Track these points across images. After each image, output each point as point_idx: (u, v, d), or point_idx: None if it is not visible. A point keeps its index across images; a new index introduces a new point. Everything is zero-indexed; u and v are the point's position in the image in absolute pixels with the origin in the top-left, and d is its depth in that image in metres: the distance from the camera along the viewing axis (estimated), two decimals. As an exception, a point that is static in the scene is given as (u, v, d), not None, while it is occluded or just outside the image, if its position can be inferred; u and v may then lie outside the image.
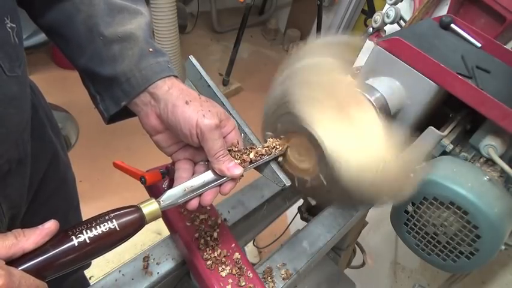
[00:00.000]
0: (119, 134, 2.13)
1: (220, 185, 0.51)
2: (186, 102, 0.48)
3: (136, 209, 0.44)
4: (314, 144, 0.53)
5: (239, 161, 0.51)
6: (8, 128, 0.48)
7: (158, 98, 0.50)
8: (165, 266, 0.62)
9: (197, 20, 3.13)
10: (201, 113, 0.47)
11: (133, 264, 0.61)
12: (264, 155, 0.54)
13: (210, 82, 0.60)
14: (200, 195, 0.50)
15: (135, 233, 0.44)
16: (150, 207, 0.45)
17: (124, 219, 0.43)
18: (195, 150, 0.54)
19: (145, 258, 0.62)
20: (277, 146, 0.56)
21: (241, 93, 2.83)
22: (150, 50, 0.51)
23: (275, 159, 0.56)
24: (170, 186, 0.67)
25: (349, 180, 0.50)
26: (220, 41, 3.27)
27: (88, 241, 0.40)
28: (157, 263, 0.62)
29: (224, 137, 0.50)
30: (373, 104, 0.64)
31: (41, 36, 1.49)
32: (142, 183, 0.60)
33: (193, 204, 0.50)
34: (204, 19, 3.26)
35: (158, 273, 0.61)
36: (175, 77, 0.52)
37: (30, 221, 0.69)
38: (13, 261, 0.36)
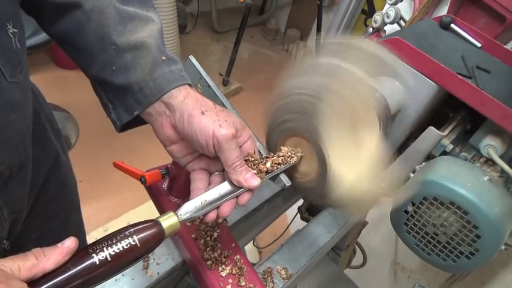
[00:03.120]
0: (119, 134, 2.11)
1: (237, 196, 0.50)
2: (202, 113, 0.48)
3: (155, 223, 0.44)
4: (319, 157, 0.54)
5: (256, 171, 0.51)
6: (9, 134, 0.48)
7: (173, 108, 0.49)
8: (165, 266, 0.62)
9: (197, 20, 3.13)
10: (218, 123, 0.47)
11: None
12: (280, 164, 0.54)
13: (210, 82, 0.60)
14: (218, 207, 0.49)
15: (155, 248, 0.43)
16: (169, 220, 0.45)
17: (144, 234, 0.42)
18: (211, 160, 0.53)
19: (146, 258, 0.62)
20: (292, 155, 0.56)
21: (241, 93, 2.83)
22: (163, 58, 0.50)
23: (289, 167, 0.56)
24: (170, 186, 0.67)
25: (339, 194, 0.52)
26: (220, 41, 3.27)
27: (109, 258, 0.39)
28: (157, 263, 0.62)
29: (240, 147, 0.50)
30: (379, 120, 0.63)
31: (41, 36, 1.49)
32: (142, 183, 0.60)
33: (211, 216, 0.49)
34: (204, 19, 3.26)
35: (158, 273, 0.61)
36: (189, 85, 0.52)
37: (32, 225, 0.69)
38: (34, 282, 0.35)
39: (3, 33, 0.43)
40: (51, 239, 0.82)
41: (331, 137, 0.52)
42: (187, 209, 0.47)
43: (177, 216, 0.46)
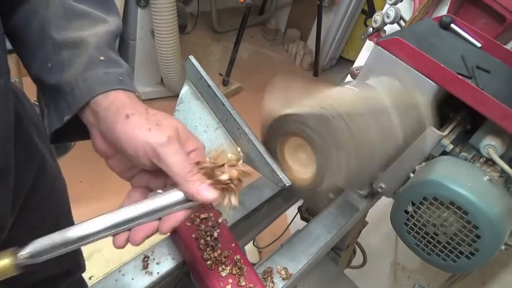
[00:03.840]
0: (119, 134, 2.13)
1: (160, 218, 0.41)
2: (127, 116, 0.40)
3: None
4: (319, 167, 0.54)
5: (211, 181, 0.42)
6: None
7: (98, 116, 0.42)
8: (165, 266, 0.62)
9: (197, 20, 3.13)
10: (146, 127, 0.40)
11: (133, 264, 0.61)
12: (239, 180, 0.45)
13: (210, 82, 0.60)
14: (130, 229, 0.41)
15: None
16: None
17: None
18: (151, 175, 0.46)
19: (145, 258, 0.62)
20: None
21: (241, 93, 2.83)
22: (102, 58, 0.44)
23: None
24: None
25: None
26: (220, 41, 3.27)
27: None
28: (157, 263, 0.62)
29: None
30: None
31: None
32: (142, 183, 0.60)
33: (119, 243, 0.41)
34: (204, 19, 3.26)
35: (158, 273, 0.61)
36: (129, 91, 0.44)
37: (19, 231, 0.68)
38: None
39: None
40: None
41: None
42: (36, 247, 0.36)
43: (15, 257, 0.34)
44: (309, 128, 0.53)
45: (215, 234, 0.62)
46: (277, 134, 0.57)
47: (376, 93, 0.56)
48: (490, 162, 0.68)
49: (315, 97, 0.56)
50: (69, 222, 0.89)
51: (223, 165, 0.44)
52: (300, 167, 0.58)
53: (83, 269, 1.06)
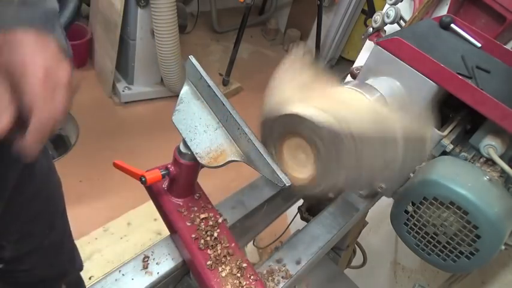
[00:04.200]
0: (119, 134, 2.13)
1: None
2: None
3: None
4: (310, 139, 0.53)
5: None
6: None
7: None
8: (165, 266, 0.62)
9: (197, 20, 3.13)
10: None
11: (133, 264, 0.61)
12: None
13: (210, 82, 0.60)
14: None
15: None
16: None
17: None
18: None
19: (145, 258, 0.62)
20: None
21: (241, 93, 2.82)
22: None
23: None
24: (170, 186, 0.67)
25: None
26: (220, 41, 3.27)
27: None
28: (157, 263, 0.62)
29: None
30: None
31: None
32: (142, 183, 0.60)
33: None
34: (204, 19, 3.26)
35: (158, 273, 0.61)
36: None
37: (8, 228, 0.68)
38: None
39: None
40: (32, 243, 0.80)
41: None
42: None
43: None
44: (319, 139, 0.52)
45: (215, 234, 0.62)
46: (283, 129, 0.57)
47: (389, 113, 0.55)
48: (490, 162, 0.68)
49: (326, 97, 0.55)
50: (64, 224, 0.89)
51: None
52: (298, 166, 0.58)
53: (81, 268, 1.06)
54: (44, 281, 0.90)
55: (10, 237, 0.71)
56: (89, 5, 2.37)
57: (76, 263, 1.02)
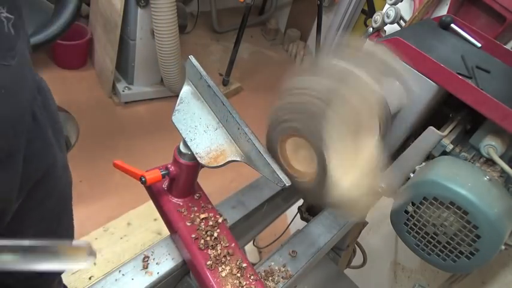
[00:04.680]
0: (119, 134, 2.13)
1: None
2: None
3: None
4: (319, 159, 0.54)
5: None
6: None
7: None
8: (165, 266, 0.62)
9: (197, 20, 3.13)
10: None
11: (133, 264, 0.61)
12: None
13: (210, 82, 0.60)
14: None
15: None
16: None
17: None
18: None
19: (145, 258, 0.62)
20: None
21: (241, 93, 2.82)
22: None
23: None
24: (170, 186, 0.67)
25: (337, 196, 0.53)
26: (220, 41, 3.27)
27: None
28: (157, 263, 0.62)
29: None
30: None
31: (41, 36, 1.49)
32: (142, 183, 0.60)
33: None
34: (204, 19, 3.26)
35: (158, 273, 0.61)
36: None
37: (23, 219, 0.69)
38: None
39: None
40: (41, 238, 0.81)
41: (334, 141, 0.52)
42: None
43: None
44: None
45: (215, 234, 0.62)
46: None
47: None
48: (490, 162, 0.68)
49: None
50: (68, 222, 0.90)
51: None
52: (298, 159, 0.58)
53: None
54: (41, 274, 0.90)
55: (25, 232, 0.72)
56: (89, 5, 2.37)
57: None
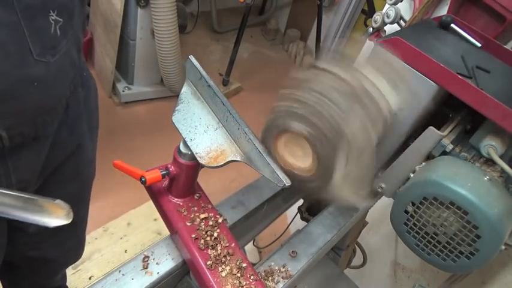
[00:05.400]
0: (119, 134, 2.13)
1: None
2: None
3: None
4: (318, 156, 0.55)
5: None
6: (25, 105, 0.51)
7: None
8: (165, 266, 0.62)
9: (197, 20, 3.13)
10: None
11: (133, 264, 0.61)
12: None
13: (210, 82, 0.60)
14: None
15: None
16: None
17: None
18: None
19: (145, 258, 0.62)
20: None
21: (241, 93, 2.82)
22: None
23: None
24: (170, 186, 0.67)
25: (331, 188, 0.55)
26: (220, 41, 3.27)
27: None
28: (157, 263, 0.62)
29: None
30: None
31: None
32: (142, 183, 0.60)
33: None
34: (204, 19, 3.26)
35: (158, 273, 0.61)
36: None
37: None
38: None
39: (44, 17, 0.47)
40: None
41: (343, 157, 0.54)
42: None
43: None
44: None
45: (215, 234, 0.62)
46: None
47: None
48: (490, 162, 0.68)
49: None
50: (83, 215, 0.97)
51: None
52: (295, 154, 0.58)
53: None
54: (49, 261, 0.93)
55: None
56: (89, 5, 2.37)
57: (79, 255, 1.09)
